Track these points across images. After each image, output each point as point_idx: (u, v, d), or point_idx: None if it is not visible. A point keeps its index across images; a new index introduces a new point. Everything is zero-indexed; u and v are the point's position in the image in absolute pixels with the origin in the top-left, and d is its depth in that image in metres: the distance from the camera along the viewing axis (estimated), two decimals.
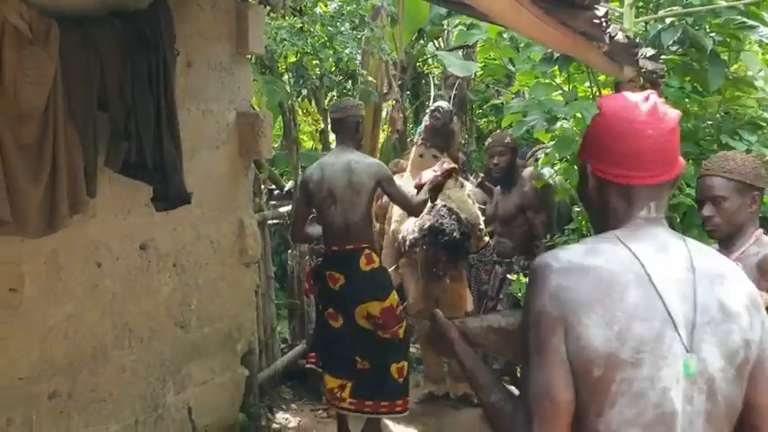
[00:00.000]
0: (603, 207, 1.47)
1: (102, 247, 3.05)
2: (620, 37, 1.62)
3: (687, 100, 4.26)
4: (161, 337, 3.37)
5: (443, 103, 5.05)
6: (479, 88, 9.91)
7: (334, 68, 5.29)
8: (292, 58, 4.88)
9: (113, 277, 3.10)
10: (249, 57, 3.92)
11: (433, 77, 9.79)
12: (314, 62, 5.01)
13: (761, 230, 2.51)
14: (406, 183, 4.85)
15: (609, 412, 1.32)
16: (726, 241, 2.55)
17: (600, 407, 1.32)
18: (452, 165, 4.20)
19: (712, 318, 1.37)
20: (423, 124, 5.08)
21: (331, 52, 4.53)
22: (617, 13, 3.55)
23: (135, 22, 2.83)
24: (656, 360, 1.32)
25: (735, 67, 4.33)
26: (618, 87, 2.76)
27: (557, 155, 4.04)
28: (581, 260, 1.37)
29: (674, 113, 1.42)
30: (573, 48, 1.63)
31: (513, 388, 1.74)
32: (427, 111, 5.21)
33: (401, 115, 6.22)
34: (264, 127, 3.80)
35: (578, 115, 3.75)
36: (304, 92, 4.78)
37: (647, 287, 1.34)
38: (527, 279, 1.47)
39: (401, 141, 9.28)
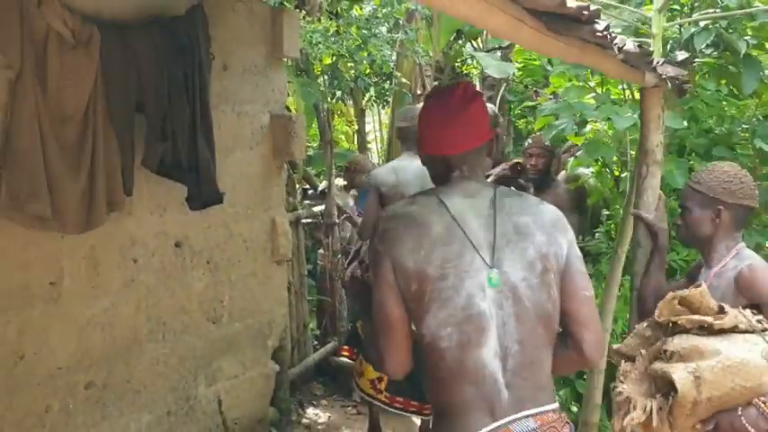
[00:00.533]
0: (434, 175, 1.91)
1: (138, 244, 3.16)
2: (629, 46, 1.65)
3: (725, 103, 4.24)
4: (193, 331, 3.48)
5: (490, 106, 5.05)
6: (518, 89, 9.89)
7: (368, 70, 5.36)
8: (327, 61, 4.96)
9: (148, 273, 3.22)
10: (284, 60, 4.00)
11: (472, 78, 9.82)
12: (348, 64, 5.09)
13: (742, 244, 2.48)
14: None
15: (427, 317, 1.68)
16: (703, 254, 2.55)
17: (421, 314, 1.69)
18: (518, 160, 4.22)
19: (510, 239, 1.73)
20: None
21: (365, 54, 4.60)
22: (647, 18, 3.54)
23: (172, 28, 2.94)
24: (459, 273, 1.68)
25: None
26: (642, 93, 2.76)
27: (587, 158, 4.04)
28: (401, 209, 1.82)
29: (469, 98, 1.82)
30: (582, 57, 1.66)
31: None
32: None
33: None
34: (297, 129, 3.89)
35: (609, 119, 3.75)
36: (338, 93, 4.83)
37: (448, 221, 1.74)
38: None
39: None
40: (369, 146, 9.03)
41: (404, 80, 5.05)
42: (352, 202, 5.64)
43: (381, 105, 6.16)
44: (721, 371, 2.12)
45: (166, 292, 3.32)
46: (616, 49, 1.56)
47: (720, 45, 3.97)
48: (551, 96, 5.29)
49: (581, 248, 4.24)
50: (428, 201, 1.81)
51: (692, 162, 3.91)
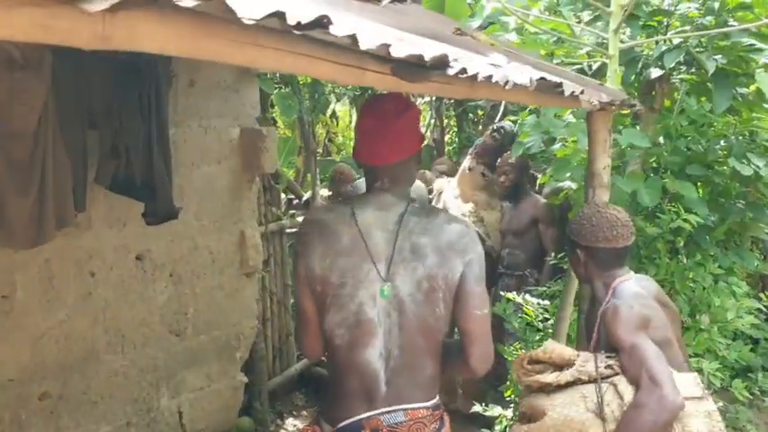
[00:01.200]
0: (366, 182, 2.05)
1: (96, 258, 3.22)
2: (524, 80, 1.65)
3: (714, 120, 4.18)
4: (155, 343, 3.52)
5: (507, 125, 5.01)
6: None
7: None
8: None
9: (107, 286, 3.27)
10: (258, 74, 4.03)
11: None
12: None
13: (621, 278, 2.46)
14: (449, 190, 4.89)
15: (327, 316, 1.92)
16: (595, 295, 2.55)
17: (324, 314, 1.93)
18: None
19: (404, 257, 1.89)
20: (482, 139, 5.09)
21: None
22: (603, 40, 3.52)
23: (127, 51, 2.97)
24: (356, 282, 1.89)
25: (752, 88, 4.23)
26: (588, 117, 2.75)
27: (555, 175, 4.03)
28: (319, 215, 2.04)
29: (400, 110, 1.93)
30: (472, 92, 1.66)
31: None
32: (490, 126, 5.21)
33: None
34: (268, 142, 3.92)
35: (575, 138, 3.73)
36: (319, 105, 4.85)
37: (355, 233, 1.91)
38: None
39: (438, 150, 9.36)
40: None
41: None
42: None
43: None
44: (547, 430, 2.17)
45: (126, 305, 3.36)
46: (504, 83, 1.56)
47: (693, 63, 3.94)
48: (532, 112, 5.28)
49: (557, 266, 4.25)
50: (343, 210, 1.97)
51: (665, 180, 3.87)
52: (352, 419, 1.89)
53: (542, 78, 1.79)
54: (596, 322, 2.48)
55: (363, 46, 1.04)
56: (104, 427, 3.32)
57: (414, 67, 1.26)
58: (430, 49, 1.31)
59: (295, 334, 1.99)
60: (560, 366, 2.34)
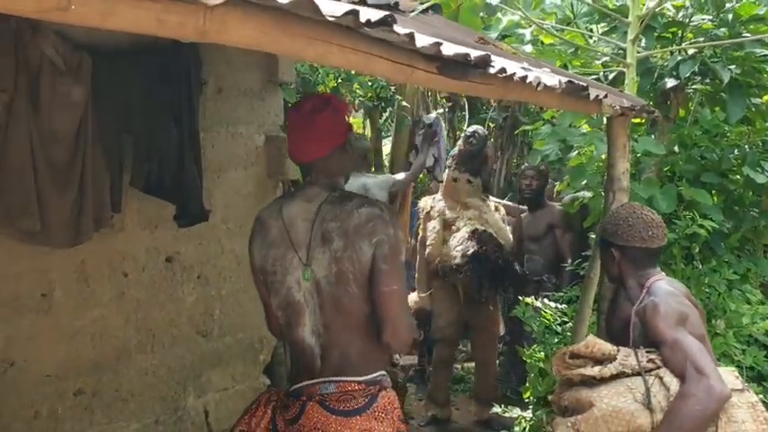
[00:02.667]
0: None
1: (128, 259, 3.32)
2: (553, 82, 1.74)
3: (727, 129, 4.26)
4: (183, 343, 3.62)
5: (479, 128, 5.14)
6: (533, 110, 9.96)
7: (371, 94, 5.49)
8: (333, 83, 5.11)
9: (138, 286, 3.37)
10: (282, 84, 4.14)
11: (488, 100, 9.91)
12: (355, 87, 5.23)
13: (655, 278, 2.54)
14: (439, 207, 4.98)
15: (271, 300, 2.20)
16: (625, 292, 2.62)
17: (271, 297, 2.19)
18: None
19: (318, 243, 2.09)
20: (456, 149, 5.19)
21: (365, 79, 4.73)
22: (621, 48, 3.62)
23: (161, 57, 3.10)
24: (284, 270, 2.13)
25: (766, 98, 4.31)
26: (608, 122, 2.85)
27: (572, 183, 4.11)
28: (260, 213, 2.26)
29: (317, 109, 2.12)
30: (506, 93, 1.76)
31: None
32: (462, 135, 5.32)
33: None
34: None
35: (592, 146, 3.82)
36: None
37: (281, 227, 2.15)
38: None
39: (453, 160, 9.44)
40: (385, 165, 9.16)
41: (405, 104, 5.15)
42: None
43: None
44: (595, 421, 2.25)
45: (156, 306, 3.46)
46: (537, 84, 1.65)
47: (708, 73, 4.03)
48: (546, 121, 5.38)
49: (574, 272, 4.32)
50: (274, 207, 2.24)
51: (680, 188, 3.95)
52: (296, 386, 2.15)
53: (570, 81, 1.88)
54: (629, 321, 2.54)
55: (419, 44, 1.14)
56: (134, 424, 3.40)
57: (459, 66, 1.35)
58: (473, 51, 1.41)
59: None
60: (600, 361, 2.42)
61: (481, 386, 5.19)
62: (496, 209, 5.02)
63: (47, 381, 3.01)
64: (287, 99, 4.57)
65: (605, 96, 2.15)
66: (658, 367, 2.34)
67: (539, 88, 1.70)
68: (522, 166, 4.96)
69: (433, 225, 4.93)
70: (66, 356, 3.08)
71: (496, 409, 3.69)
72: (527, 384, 3.64)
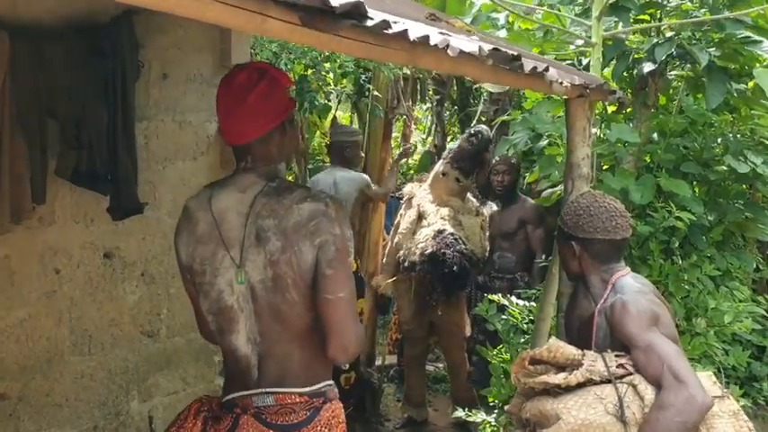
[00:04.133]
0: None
1: (60, 254, 3.10)
2: (472, 48, 1.52)
3: (713, 118, 4.03)
4: (125, 345, 3.40)
5: (484, 129, 4.88)
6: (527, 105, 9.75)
7: (345, 82, 5.27)
8: (300, 69, 4.88)
9: (72, 284, 3.15)
10: None
11: (482, 91, 9.69)
12: (326, 76, 5.02)
13: (620, 273, 2.31)
14: (421, 197, 4.77)
15: (200, 302, 1.97)
16: (587, 290, 2.39)
17: (200, 299, 1.96)
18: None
19: (252, 242, 1.85)
20: (457, 143, 4.97)
21: (329, 66, 4.51)
22: (586, 26, 3.39)
23: (91, 37, 2.88)
24: (213, 270, 1.88)
25: (751, 84, 4.08)
26: (567, 104, 2.62)
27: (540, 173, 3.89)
28: (187, 203, 2.00)
29: (252, 84, 1.85)
30: (414, 60, 1.53)
31: None
32: (467, 131, 5.10)
33: (412, 130, 6.15)
34: None
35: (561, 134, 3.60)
36: (306, 105, 4.72)
37: (210, 220, 1.89)
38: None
39: (439, 155, 9.23)
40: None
41: (376, 93, 4.93)
42: None
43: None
44: None
45: (93, 305, 3.24)
46: (444, 47, 1.43)
47: (687, 57, 3.80)
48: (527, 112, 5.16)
49: (543, 267, 4.11)
50: (203, 196, 1.96)
51: (659, 178, 3.72)
52: (228, 397, 1.95)
53: (496, 49, 1.66)
54: (591, 320, 2.32)
55: None
56: (69, 431, 3.19)
57: (327, 16, 1.13)
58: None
59: None
60: (563, 367, 2.18)
61: (455, 387, 5.00)
62: (478, 213, 4.80)
63: None
64: None
65: (546, 70, 1.92)
66: (630, 374, 2.11)
67: (450, 53, 1.47)
68: (493, 161, 4.72)
69: (410, 214, 4.76)
70: None
71: (459, 413, 3.47)
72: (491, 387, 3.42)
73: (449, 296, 4.49)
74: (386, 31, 1.23)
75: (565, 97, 2.54)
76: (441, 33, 1.60)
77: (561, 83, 2.05)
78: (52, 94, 2.80)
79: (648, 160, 4.01)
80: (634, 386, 2.07)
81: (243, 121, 1.88)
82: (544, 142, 3.83)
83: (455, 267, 4.29)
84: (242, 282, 1.87)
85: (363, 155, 5.17)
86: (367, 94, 4.86)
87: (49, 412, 3.10)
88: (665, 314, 2.27)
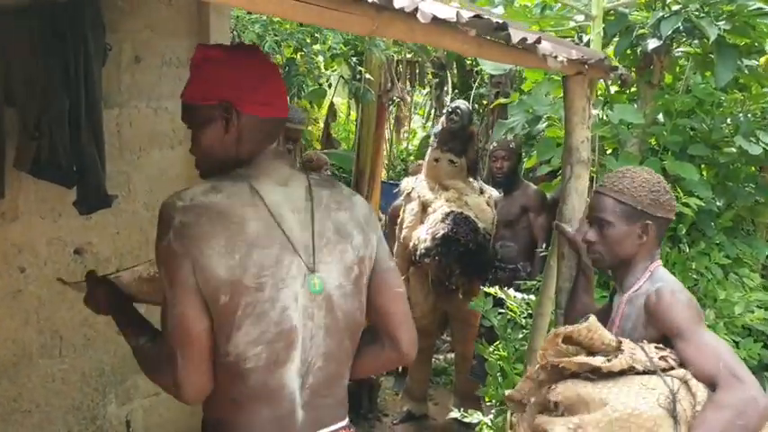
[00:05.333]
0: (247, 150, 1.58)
1: (26, 251, 2.92)
2: (449, 14, 1.31)
3: (723, 97, 3.81)
4: (100, 346, 3.22)
5: (462, 104, 4.71)
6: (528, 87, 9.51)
7: (335, 65, 5.07)
8: (289, 53, 4.67)
9: (39, 282, 2.97)
10: None
11: (483, 74, 9.46)
12: (315, 58, 4.81)
13: (657, 263, 2.10)
14: (420, 188, 4.59)
15: (236, 335, 1.44)
16: (616, 277, 2.16)
17: (229, 331, 1.44)
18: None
19: (329, 240, 1.54)
20: (439, 126, 4.78)
21: (318, 48, 4.30)
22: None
23: (50, 18, 2.67)
24: (277, 282, 1.46)
25: (762, 60, 3.86)
26: (564, 82, 2.40)
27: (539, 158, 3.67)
28: (204, 198, 1.47)
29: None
30: (379, 28, 1.33)
31: None
32: (444, 111, 4.89)
33: (407, 114, 5.95)
34: None
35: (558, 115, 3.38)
36: (293, 90, 4.51)
37: (266, 217, 1.48)
38: None
39: None
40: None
41: (368, 76, 4.72)
42: None
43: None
44: (608, 425, 1.75)
45: (63, 304, 3.06)
46: (412, 11, 1.22)
47: (695, 32, 3.57)
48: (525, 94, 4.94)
49: (545, 257, 3.91)
50: (238, 189, 1.51)
51: (665, 162, 3.51)
52: None
53: (477, 16, 1.44)
54: (619, 309, 2.10)
55: None
56: None
57: None
58: None
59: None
60: (596, 351, 1.95)
61: (461, 381, 4.82)
62: (482, 192, 4.61)
63: None
64: None
65: (538, 41, 1.70)
66: (672, 368, 1.89)
67: (421, 19, 1.26)
68: (491, 146, 4.51)
69: (412, 207, 4.58)
70: None
71: (455, 414, 3.28)
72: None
73: (470, 278, 4.31)
74: None
75: (562, 75, 2.32)
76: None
77: (556, 57, 1.83)
78: (8, 79, 2.60)
79: (654, 143, 3.79)
80: (686, 381, 1.85)
81: (283, 91, 1.64)
82: (543, 125, 3.61)
83: (471, 245, 4.13)
84: (318, 290, 1.52)
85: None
86: (358, 77, 4.64)
87: (17, 419, 2.93)
88: None
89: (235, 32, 3.85)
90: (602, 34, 2.99)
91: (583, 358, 1.86)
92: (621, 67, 2.69)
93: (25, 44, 2.63)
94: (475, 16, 1.45)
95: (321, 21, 1.18)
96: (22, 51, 2.62)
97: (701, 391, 1.80)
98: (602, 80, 2.49)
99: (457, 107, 4.56)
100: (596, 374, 1.85)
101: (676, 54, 3.98)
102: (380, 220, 5.32)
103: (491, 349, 3.26)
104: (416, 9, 1.22)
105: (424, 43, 1.72)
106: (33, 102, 2.66)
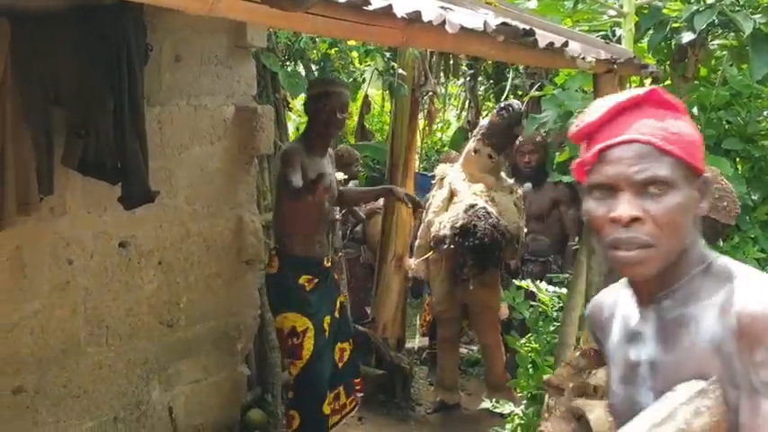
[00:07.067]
0: None
1: (73, 244, 3.05)
2: (476, 24, 1.36)
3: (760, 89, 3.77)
4: (144, 334, 3.35)
5: (515, 103, 4.66)
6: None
7: (369, 61, 5.13)
8: (324, 47, 4.74)
9: (87, 274, 3.10)
10: (252, 49, 3.80)
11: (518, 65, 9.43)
12: (352, 55, 4.88)
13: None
14: (454, 174, 4.62)
15: None
16: None
17: None
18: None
19: None
20: (488, 119, 4.79)
21: (353, 43, 4.36)
22: None
23: (95, 19, 2.78)
24: None
25: None
26: (594, 80, 2.43)
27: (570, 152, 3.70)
28: None
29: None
30: (408, 40, 1.39)
31: None
32: (498, 105, 4.90)
33: (437, 108, 5.97)
34: (264, 122, 3.71)
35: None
36: None
37: None
38: None
39: (473, 131, 9.02)
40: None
41: (401, 71, 4.76)
42: None
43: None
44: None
45: (109, 294, 3.19)
46: (440, 23, 1.28)
47: (730, 25, 3.55)
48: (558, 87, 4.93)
49: (576, 250, 3.93)
50: None
51: None
52: None
53: (504, 24, 1.50)
54: None
55: None
56: (88, 422, 3.16)
57: None
58: None
59: None
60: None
61: (489, 372, 4.87)
62: (512, 191, 4.63)
63: None
64: (269, 67, 4.24)
65: (565, 44, 1.74)
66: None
67: (449, 29, 1.32)
68: (518, 141, 4.52)
69: (441, 193, 4.62)
70: (2, 352, 2.83)
71: (486, 404, 3.34)
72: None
73: (481, 271, 4.34)
74: (365, 8, 1.08)
75: (592, 72, 2.35)
76: (441, 8, 1.45)
77: (584, 58, 1.87)
78: (56, 80, 2.72)
79: None
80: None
81: None
82: (575, 120, 3.63)
83: (486, 239, 4.16)
84: None
85: None
86: (392, 72, 4.69)
87: (67, 404, 3.07)
88: None
89: (270, 30, 3.92)
90: (633, 30, 2.99)
91: None
92: (652, 65, 2.70)
93: (72, 48, 2.75)
94: (502, 23, 1.50)
95: (353, 35, 1.25)
96: (69, 55, 2.74)
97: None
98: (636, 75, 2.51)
99: (509, 105, 4.54)
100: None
101: (712, 46, 3.96)
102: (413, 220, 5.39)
103: (522, 341, 3.30)
104: (444, 21, 1.28)
105: (452, 51, 1.76)
106: (80, 102, 2.78)
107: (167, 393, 3.49)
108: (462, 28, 1.36)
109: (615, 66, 2.13)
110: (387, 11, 1.14)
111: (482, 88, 9.40)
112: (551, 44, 1.66)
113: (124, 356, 3.28)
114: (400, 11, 1.17)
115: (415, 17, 1.23)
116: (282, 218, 3.53)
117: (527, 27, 1.57)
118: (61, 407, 3.05)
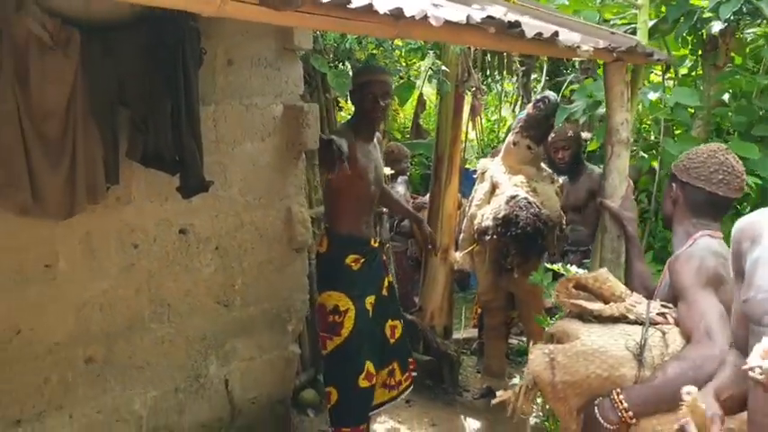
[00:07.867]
0: None
1: (138, 230, 3.38)
2: (459, 17, 1.57)
3: None
4: (202, 313, 3.66)
5: (550, 94, 4.81)
6: None
7: (415, 59, 5.33)
8: (372, 47, 4.98)
9: (150, 258, 3.43)
10: (300, 51, 4.08)
11: (573, 60, 9.47)
12: (397, 54, 5.10)
13: (705, 232, 2.27)
14: (495, 167, 4.79)
15: None
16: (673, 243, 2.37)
17: None
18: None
19: None
20: (525, 111, 4.96)
21: (400, 43, 4.57)
22: None
23: (154, 29, 3.10)
24: None
25: None
26: (604, 68, 2.60)
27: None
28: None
29: None
30: (398, 32, 1.60)
31: None
32: (534, 98, 5.06)
33: (481, 104, 6.11)
34: (310, 119, 3.97)
35: None
36: None
37: None
38: None
39: None
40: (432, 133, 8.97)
41: (444, 68, 4.97)
42: (402, 189, 5.72)
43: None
44: (575, 355, 2.03)
45: (170, 276, 3.51)
46: (421, 17, 1.50)
47: (757, 13, 3.63)
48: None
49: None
50: None
51: (729, 143, 3.59)
52: None
53: (490, 17, 1.71)
54: (665, 270, 2.31)
55: None
56: (152, 392, 3.49)
57: None
58: None
59: None
60: (606, 300, 2.21)
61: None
62: (552, 181, 4.76)
63: (55, 349, 3.12)
64: (318, 69, 4.51)
65: (555, 35, 1.94)
66: (667, 323, 2.11)
67: (434, 23, 1.54)
68: (551, 136, 4.65)
69: (483, 186, 4.79)
70: (74, 326, 3.18)
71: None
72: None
73: (525, 260, 4.49)
74: (348, 6, 1.32)
75: (597, 61, 2.52)
76: (434, 4, 1.67)
77: (578, 47, 2.06)
78: (121, 83, 3.05)
79: (721, 123, 3.88)
80: (663, 333, 2.06)
81: None
82: (602, 110, 3.76)
83: (528, 228, 4.29)
84: None
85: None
86: (437, 69, 4.90)
87: (132, 374, 3.41)
88: (731, 286, 2.21)
89: (317, 33, 4.19)
90: (647, 21, 3.12)
91: (581, 302, 2.12)
92: (659, 52, 2.84)
93: (136, 53, 3.07)
94: (487, 17, 1.71)
95: (353, 29, 1.48)
96: (133, 59, 3.07)
97: (676, 343, 2.00)
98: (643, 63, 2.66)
99: (545, 96, 4.68)
100: (597, 319, 2.10)
101: (747, 35, 4.03)
102: (460, 206, 5.57)
103: (552, 322, 3.46)
104: (426, 15, 1.50)
105: (448, 42, 1.94)
106: (141, 102, 3.11)
107: (224, 368, 3.80)
108: (447, 22, 1.58)
109: (615, 54, 2.30)
110: (367, 9, 1.37)
111: (539, 85, 9.48)
112: (539, 34, 1.86)
113: (184, 333, 3.60)
114: (382, 7, 1.40)
115: (397, 13, 1.46)
116: (331, 199, 3.79)
117: (512, 20, 1.78)
118: (127, 377, 3.39)
